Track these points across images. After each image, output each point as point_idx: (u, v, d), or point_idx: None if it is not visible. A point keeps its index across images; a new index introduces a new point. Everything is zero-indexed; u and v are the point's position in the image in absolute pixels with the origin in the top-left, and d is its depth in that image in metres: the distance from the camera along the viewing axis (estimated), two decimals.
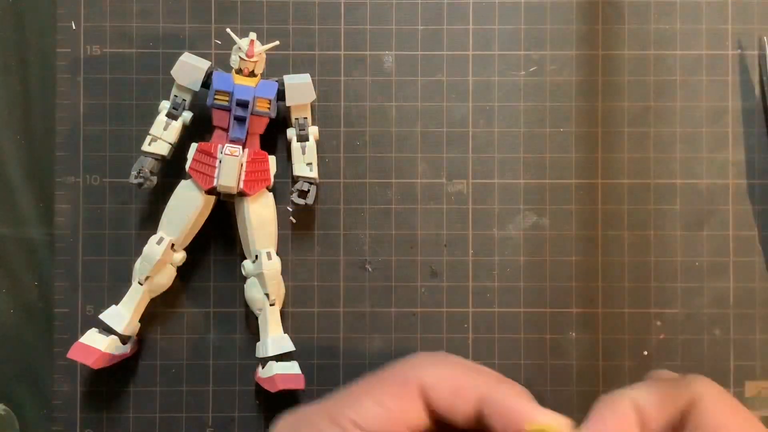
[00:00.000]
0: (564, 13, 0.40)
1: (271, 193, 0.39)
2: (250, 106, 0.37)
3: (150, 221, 0.39)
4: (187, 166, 0.37)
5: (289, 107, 0.38)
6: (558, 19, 0.40)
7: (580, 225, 0.40)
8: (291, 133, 0.39)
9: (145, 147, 0.37)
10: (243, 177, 0.37)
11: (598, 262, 0.40)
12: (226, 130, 0.37)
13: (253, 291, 0.38)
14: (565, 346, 0.40)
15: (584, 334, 0.40)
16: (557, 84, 0.40)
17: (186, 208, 0.37)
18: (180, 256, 0.38)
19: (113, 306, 0.38)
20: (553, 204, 0.40)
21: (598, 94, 0.40)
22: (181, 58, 0.37)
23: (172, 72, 0.37)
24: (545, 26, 0.40)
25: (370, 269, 0.40)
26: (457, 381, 0.27)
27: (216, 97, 0.37)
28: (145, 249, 0.37)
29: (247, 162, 0.37)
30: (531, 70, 0.40)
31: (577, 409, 0.40)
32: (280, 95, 0.38)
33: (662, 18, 0.40)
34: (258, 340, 0.38)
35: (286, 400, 0.39)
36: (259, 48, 0.36)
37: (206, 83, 0.37)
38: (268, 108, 0.37)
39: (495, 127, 0.40)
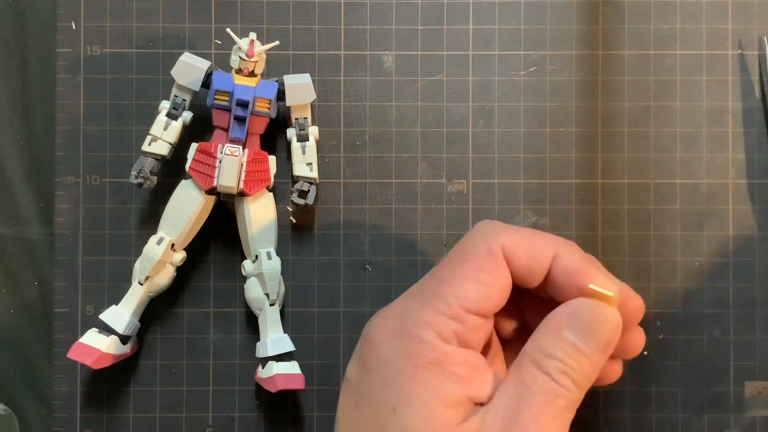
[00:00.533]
0: (564, 13, 0.40)
1: (271, 193, 0.39)
2: (250, 106, 0.37)
3: (150, 221, 0.39)
4: (187, 166, 0.37)
5: (289, 107, 0.38)
6: (558, 19, 0.40)
7: (580, 225, 0.40)
8: (291, 133, 0.39)
9: (145, 147, 0.37)
10: (243, 177, 0.37)
11: None
12: (226, 130, 0.37)
13: (253, 291, 0.38)
14: None
15: None
16: (557, 84, 0.40)
17: (186, 208, 0.37)
18: (180, 256, 0.38)
19: (113, 306, 0.38)
20: (553, 204, 0.40)
21: (598, 94, 0.40)
22: (181, 58, 0.37)
23: (172, 72, 0.37)
24: (545, 26, 0.40)
25: (370, 269, 0.40)
26: (533, 241, 0.29)
27: (216, 97, 0.37)
28: (145, 249, 0.37)
29: (247, 162, 0.37)
30: (531, 70, 0.40)
31: (579, 408, 0.40)
32: (280, 95, 0.38)
33: (662, 18, 0.40)
34: (258, 340, 0.38)
35: (286, 400, 0.39)
36: (259, 48, 0.36)
37: (206, 83, 0.37)
38: (268, 108, 0.37)
39: (495, 127, 0.40)
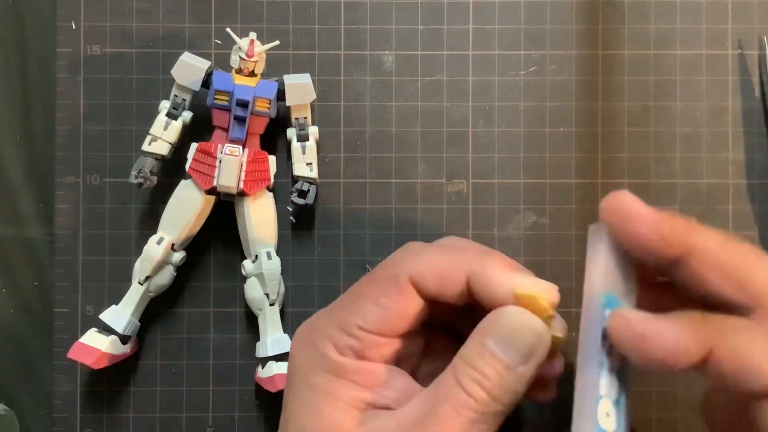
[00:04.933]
0: (564, 13, 0.40)
1: (271, 193, 0.39)
2: (250, 105, 0.37)
3: (150, 221, 0.39)
4: (187, 166, 0.37)
5: (289, 107, 0.38)
6: (558, 19, 0.40)
7: (580, 225, 0.40)
8: (291, 133, 0.39)
9: (145, 147, 0.37)
10: (243, 177, 0.37)
11: None
12: (226, 130, 0.37)
13: (253, 291, 0.38)
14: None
15: None
16: (557, 84, 0.40)
17: (186, 208, 0.37)
18: (180, 256, 0.38)
19: (113, 306, 0.38)
20: (553, 204, 0.40)
21: (598, 94, 0.40)
22: (181, 58, 0.37)
23: (172, 72, 0.37)
24: (545, 26, 0.40)
25: (370, 269, 0.40)
26: (443, 265, 0.28)
27: (216, 97, 0.37)
28: (145, 249, 0.37)
29: (247, 162, 0.37)
30: (531, 70, 0.40)
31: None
32: (280, 95, 0.38)
33: (662, 18, 0.40)
34: (258, 340, 0.38)
35: None
36: (259, 48, 0.36)
37: (206, 83, 0.37)
38: (268, 108, 0.37)
39: (495, 127, 0.40)
